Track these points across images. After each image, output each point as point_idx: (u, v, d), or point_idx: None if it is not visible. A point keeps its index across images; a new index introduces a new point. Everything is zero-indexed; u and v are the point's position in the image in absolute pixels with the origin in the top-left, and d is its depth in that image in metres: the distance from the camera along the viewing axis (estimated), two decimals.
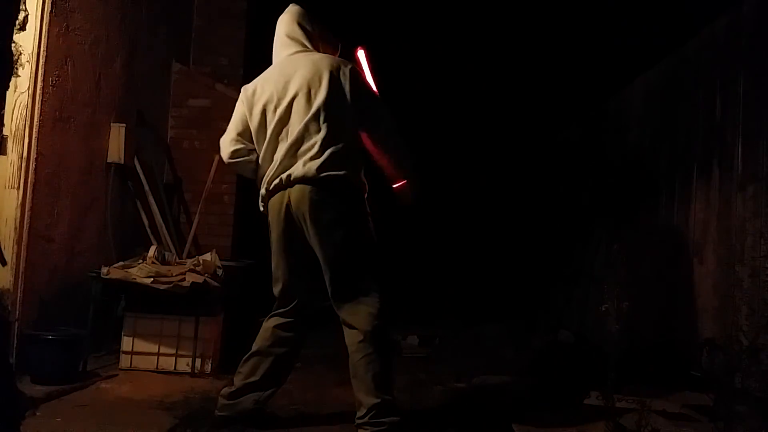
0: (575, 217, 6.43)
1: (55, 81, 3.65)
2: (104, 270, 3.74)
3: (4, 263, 3.35)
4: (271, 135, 2.86)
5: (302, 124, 2.79)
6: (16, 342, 3.33)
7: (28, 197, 3.47)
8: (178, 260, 4.27)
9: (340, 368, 4.11)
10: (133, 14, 4.54)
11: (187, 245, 4.89)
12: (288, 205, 2.80)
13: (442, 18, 6.59)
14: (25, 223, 3.46)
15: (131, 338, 3.86)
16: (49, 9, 3.53)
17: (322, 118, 2.78)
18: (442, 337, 5.54)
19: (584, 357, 4.56)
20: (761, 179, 3.33)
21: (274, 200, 2.85)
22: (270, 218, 2.90)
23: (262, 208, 2.97)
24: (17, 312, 3.39)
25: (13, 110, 3.42)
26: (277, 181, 2.82)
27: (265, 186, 2.88)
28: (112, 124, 4.31)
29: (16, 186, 3.44)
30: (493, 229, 8.55)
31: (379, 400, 2.74)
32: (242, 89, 3.01)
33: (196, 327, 3.83)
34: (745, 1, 3.59)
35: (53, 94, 3.64)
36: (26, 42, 3.45)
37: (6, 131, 3.40)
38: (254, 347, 3.00)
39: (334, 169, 2.75)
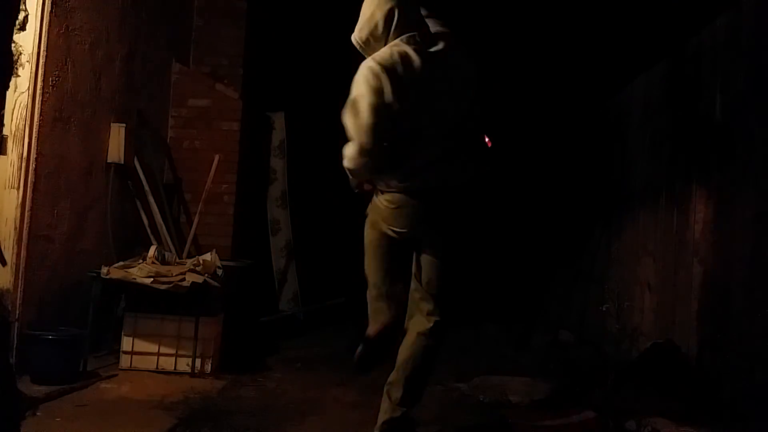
0: (575, 217, 6.43)
1: (55, 81, 3.64)
2: (104, 270, 3.74)
3: (4, 263, 3.35)
4: (421, 129, 2.64)
5: (453, 126, 2.67)
6: (16, 342, 3.33)
7: (28, 197, 3.47)
8: (178, 260, 4.27)
9: (340, 368, 4.12)
10: (133, 14, 4.54)
11: (187, 245, 4.89)
12: (431, 210, 2.68)
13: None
14: (25, 223, 3.46)
15: (131, 338, 3.85)
16: (49, 9, 3.53)
17: (467, 124, 2.72)
18: None
19: (584, 357, 4.56)
20: (761, 179, 3.32)
21: (415, 202, 2.66)
22: (397, 216, 2.69)
23: (381, 202, 2.72)
24: (17, 312, 3.39)
25: (13, 110, 3.42)
26: (426, 183, 2.65)
27: (408, 181, 2.65)
28: (112, 124, 4.31)
29: (16, 186, 3.43)
30: (492, 229, 8.54)
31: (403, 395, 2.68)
32: (380, 67, 2.58)
33: (196, 327, 3.82)
34: (745, 1, 3.59)
35: (53, 94, 3.63)
36: (26, 42, 3.45)
37: (6, 131, 3.40)
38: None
39: (469, 177, 2.71)
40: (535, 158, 8.17)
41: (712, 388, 3.27)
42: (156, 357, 3.86)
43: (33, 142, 3.48)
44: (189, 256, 4.56)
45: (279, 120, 6.21)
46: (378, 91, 2.53)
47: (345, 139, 2.65)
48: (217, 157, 5.07)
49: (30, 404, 2.93)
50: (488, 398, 3.62)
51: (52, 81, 3.61)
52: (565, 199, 6.88)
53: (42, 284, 3.62)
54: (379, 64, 2.57)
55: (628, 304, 4.65)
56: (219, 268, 4.09)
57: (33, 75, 3.47)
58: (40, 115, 3.52)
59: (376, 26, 2.62)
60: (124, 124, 4.34)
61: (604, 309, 3.34)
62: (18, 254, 3.42)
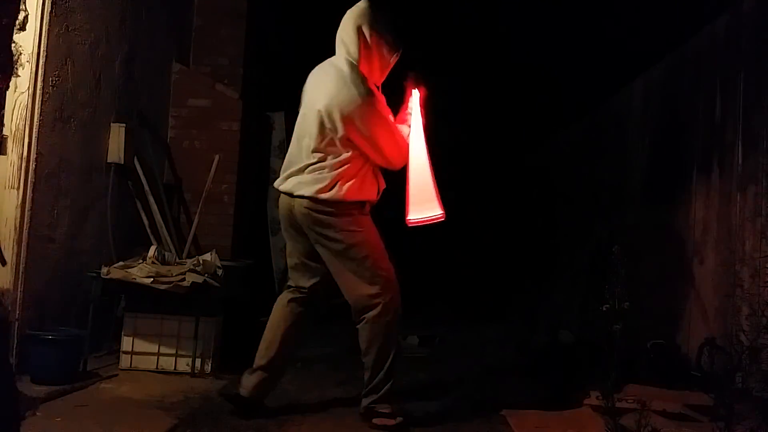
0: (575, 217, 6.43)
1: (55, 81, 3.64)
2: (104, 270, 3.74)
3: (4, 263, 3.35)
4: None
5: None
6: (16, 342, 3.33)
7: (28, 197, 3.47)
8: (178, 260, 4.27)
9: (340, 368, 4.12)
10: (133, 14, 4.53)
11: (187, 245, 4.88)
12: None
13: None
14: (25, 223, 3.46)
15: (131, 338, 3.86)
16: (49, 9, 3.53)
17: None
18: (442, 337, 5.54)
19: (584, 357, 4.55)
20: (761, 179, 3.33)
21: None
22: None
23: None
24: (17, 312, 3.39)
25: (13, 110, 3.41)
26: None
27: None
28: (112, 124, 4.31)
29: (16, 186, 3.43)
30: (493, 229, 8.55)
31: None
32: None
33: (196, 327, 3.83)
34: (745, 1, 3.59)
35: (53, 94, 3.63)
36: (26, 42, 3.45)
37: (6, 131, 3.39)
38: None
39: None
40: (535, 158, 8.18)
41: (712, 388, 3.27)
42: (156, 357, 3.86)
43: (33, 142, 3.48)
44: (189, 256, 4.55)
45: (279, 120, 6.20)
46: None
47: None
48: (217, 157, 5.06)
49: (30, 404, 2.93)
50: (488, 398, 3.62)
51: (52, 81, 3.61)
52: (565, 199, 6.88)
53: (42, 284, 3.62)
54: None
55: (628, 304, 4.64)
56: (219, 268, 4.09)
57: (33, 75, 3.47)
58: (40, 115, 3.52)
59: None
60: (124, 124, 4.34)
61: (604, 309, 3.33)
62: (18, 254, 3.42)
